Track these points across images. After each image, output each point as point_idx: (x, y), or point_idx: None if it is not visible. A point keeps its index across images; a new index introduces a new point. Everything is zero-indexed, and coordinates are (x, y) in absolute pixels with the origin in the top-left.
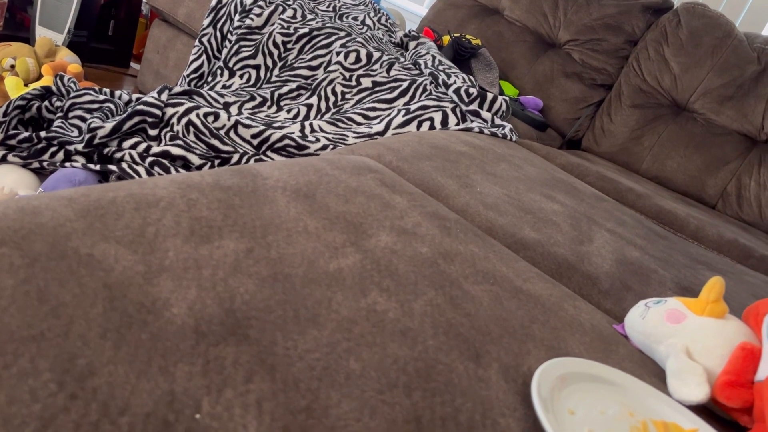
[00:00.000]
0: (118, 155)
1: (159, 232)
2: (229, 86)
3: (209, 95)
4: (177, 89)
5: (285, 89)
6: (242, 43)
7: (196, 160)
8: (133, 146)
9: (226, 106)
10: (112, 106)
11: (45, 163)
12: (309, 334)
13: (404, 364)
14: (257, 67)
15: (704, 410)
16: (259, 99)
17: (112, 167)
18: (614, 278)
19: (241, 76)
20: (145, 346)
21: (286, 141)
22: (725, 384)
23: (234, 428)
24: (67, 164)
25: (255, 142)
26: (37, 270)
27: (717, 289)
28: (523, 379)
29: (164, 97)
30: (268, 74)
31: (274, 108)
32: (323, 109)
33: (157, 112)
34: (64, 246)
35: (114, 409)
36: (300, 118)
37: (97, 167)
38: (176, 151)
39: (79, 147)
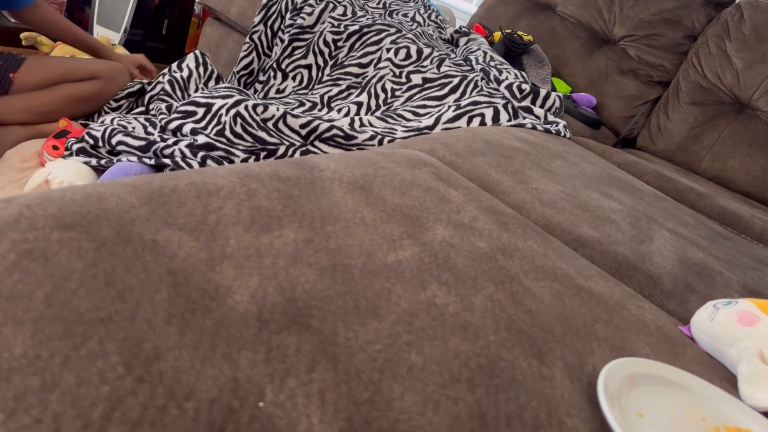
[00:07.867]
0: (167, 151)
1: (220, 220)
2: (283, 89)
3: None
4: (223, 85)
5: (335, 91)
6: (295, 44)
7: (240, 155)
8: (177, 140)
9: None
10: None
11: (103, 161)
12: (370, 325)
13: (466, 359)
14: (309, 67)
15: None
16: (308, 104)
17: (166, 161)
18: (677, 279)
19: (293, 78)
20: (209, 333)
21: (334, 131)
22: None
23: (297, 417)
24: (123, 158)
25: (303, 132)
26: (104, 254)
27: None
28: (588, 378)
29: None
30: (320, 74)
31: (325, 110)
32: (373, 106)
33: (204, 105)
34: (129, 231)
35: (180, 393)
36: (350, 115)
37: (152, 161)
38: (220, 145)
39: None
